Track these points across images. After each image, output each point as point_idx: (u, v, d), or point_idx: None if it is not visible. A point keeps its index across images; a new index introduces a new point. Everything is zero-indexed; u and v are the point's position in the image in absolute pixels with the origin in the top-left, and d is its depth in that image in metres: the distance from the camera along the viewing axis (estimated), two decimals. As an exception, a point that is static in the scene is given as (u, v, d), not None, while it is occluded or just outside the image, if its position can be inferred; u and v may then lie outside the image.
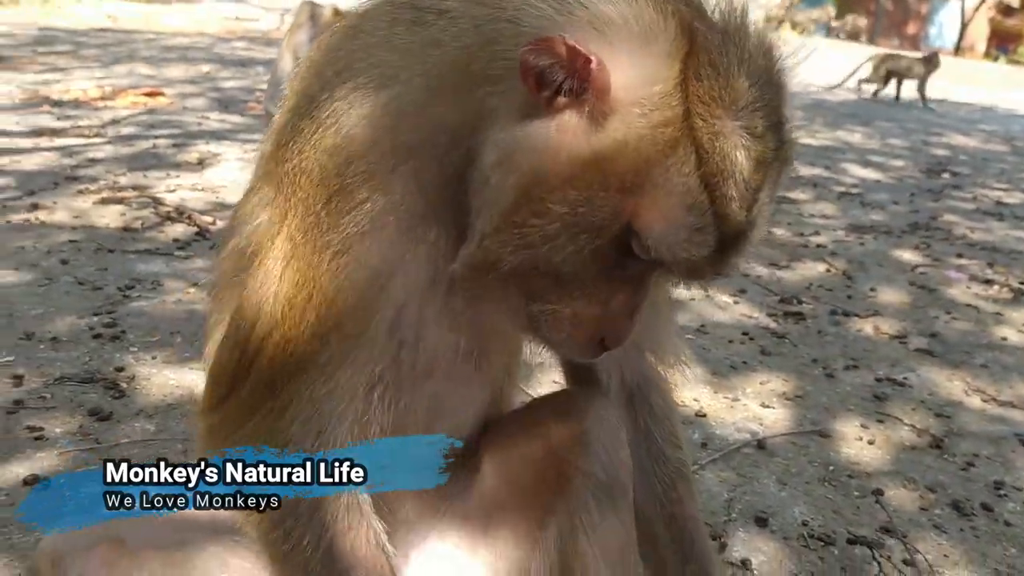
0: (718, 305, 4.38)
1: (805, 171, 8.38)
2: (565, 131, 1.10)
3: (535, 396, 1.78)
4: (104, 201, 5.14)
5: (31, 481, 2.35)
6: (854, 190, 7.76)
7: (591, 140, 1.09)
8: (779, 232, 5.95)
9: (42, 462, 2.49)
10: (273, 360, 1.20)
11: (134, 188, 5.47)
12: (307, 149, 1.20)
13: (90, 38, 13.31)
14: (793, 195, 7.28)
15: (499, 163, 1.13)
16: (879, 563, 2.40)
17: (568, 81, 1.08)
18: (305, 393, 1.20)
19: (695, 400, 3.29)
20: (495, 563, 1.54)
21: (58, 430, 2.66)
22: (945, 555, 2.49)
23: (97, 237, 4.47)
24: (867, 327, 4.28)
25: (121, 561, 1.41)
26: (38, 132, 6.73)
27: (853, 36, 36.31)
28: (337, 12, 5.80)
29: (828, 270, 5.19)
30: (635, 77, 1.09)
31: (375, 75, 1.20)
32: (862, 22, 37.80)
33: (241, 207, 1.36)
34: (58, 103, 7.96)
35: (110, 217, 4.87)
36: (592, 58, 1.07)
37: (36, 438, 2.61)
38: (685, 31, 1.10)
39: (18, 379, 2.92)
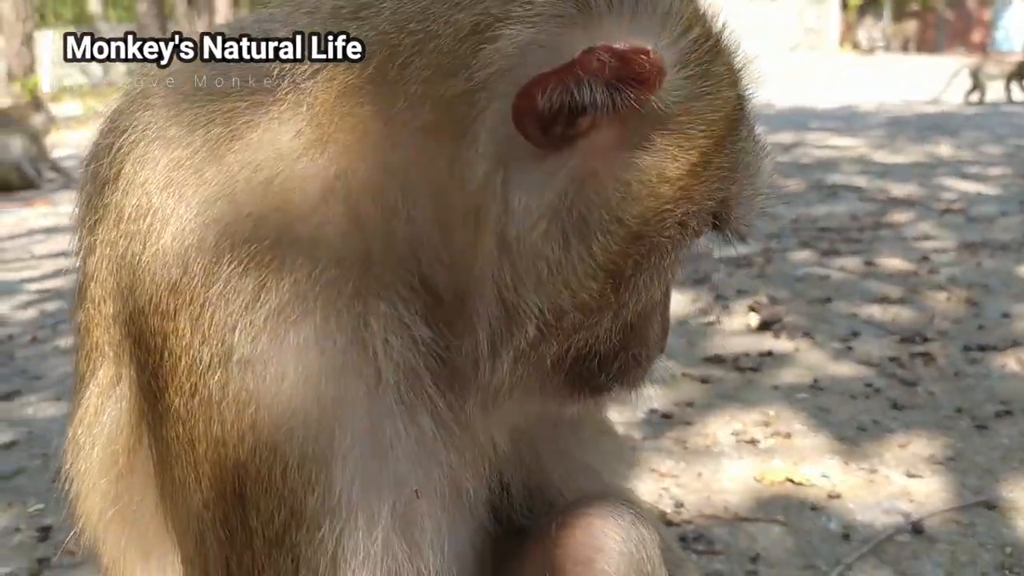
0: (828, 354, 3.84)
1: (897, 190, 7.74)
2: (636, 150, 0.93)
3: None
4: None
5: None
6: (956, 205, 7.07)
7: (676, 142, 0.94)
8: (884, 261, 5.37)
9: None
10: None
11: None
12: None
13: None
14: (890, 218, 6.67)
15: (558, 235, 0.93)
16: None
17: (598, 95, 0.89)
18: None
19: (824, 477, 2.75)
20: None
21: (81, 594, 2.33)
22: None
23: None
24: (1010, 361, 3.67)
25: None
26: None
27: (904, 47, 35.34)
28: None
29: (949, 299, 4.58)
30: (679, 42, 0.94)
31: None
32: (910, 31, 36.63)
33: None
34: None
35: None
36: (647, 48, 0.89)
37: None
38: None
39: (44, 532, 2.61)
